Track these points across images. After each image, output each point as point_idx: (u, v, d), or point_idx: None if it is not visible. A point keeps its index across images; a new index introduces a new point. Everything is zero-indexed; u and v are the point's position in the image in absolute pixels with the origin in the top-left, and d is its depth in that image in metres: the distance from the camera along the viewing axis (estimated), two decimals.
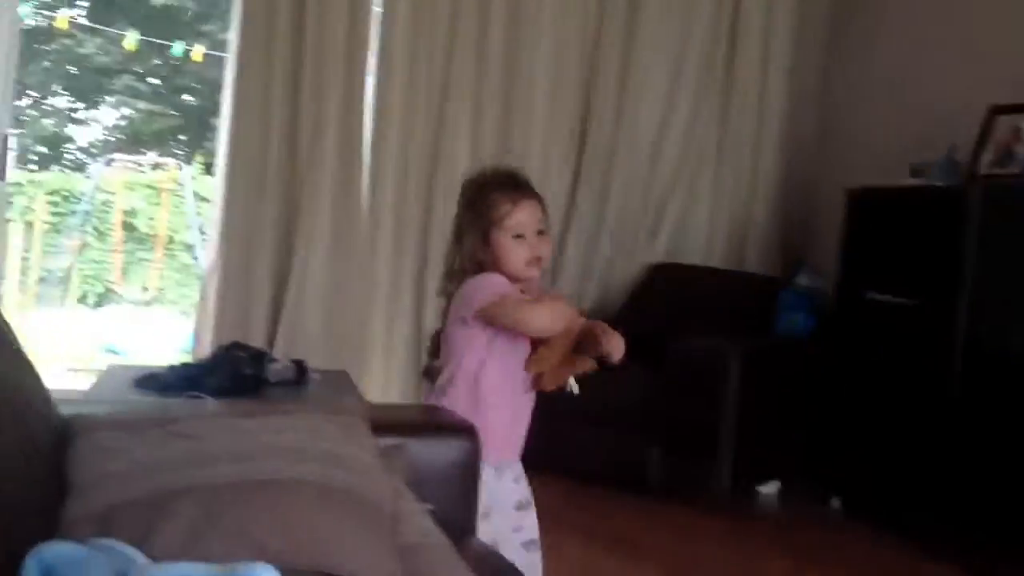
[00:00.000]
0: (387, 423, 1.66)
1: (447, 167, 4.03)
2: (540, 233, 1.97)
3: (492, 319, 1.93)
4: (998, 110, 3.46)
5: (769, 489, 3.81)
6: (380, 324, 4.07)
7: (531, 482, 2.06)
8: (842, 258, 3.75)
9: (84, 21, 10.95)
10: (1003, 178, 3.21)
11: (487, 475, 1.86)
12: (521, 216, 1.93)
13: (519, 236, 1.94)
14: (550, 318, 1.92)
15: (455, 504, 1.71)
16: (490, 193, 1.95)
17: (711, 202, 4.47)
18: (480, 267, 1.95)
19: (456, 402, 1.94)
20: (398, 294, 4.09)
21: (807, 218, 4.45)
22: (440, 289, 2.05)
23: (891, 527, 3.36)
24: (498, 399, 1.97)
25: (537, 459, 2.12)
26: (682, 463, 3.58)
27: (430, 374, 2.09)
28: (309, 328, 3.87)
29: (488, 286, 1.93)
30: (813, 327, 3.88)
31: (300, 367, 2.88)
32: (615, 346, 1.91)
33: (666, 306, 4.04)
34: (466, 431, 1.79)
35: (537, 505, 2.05)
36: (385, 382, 4.08)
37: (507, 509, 1.98)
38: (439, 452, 1.75)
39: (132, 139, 11.71)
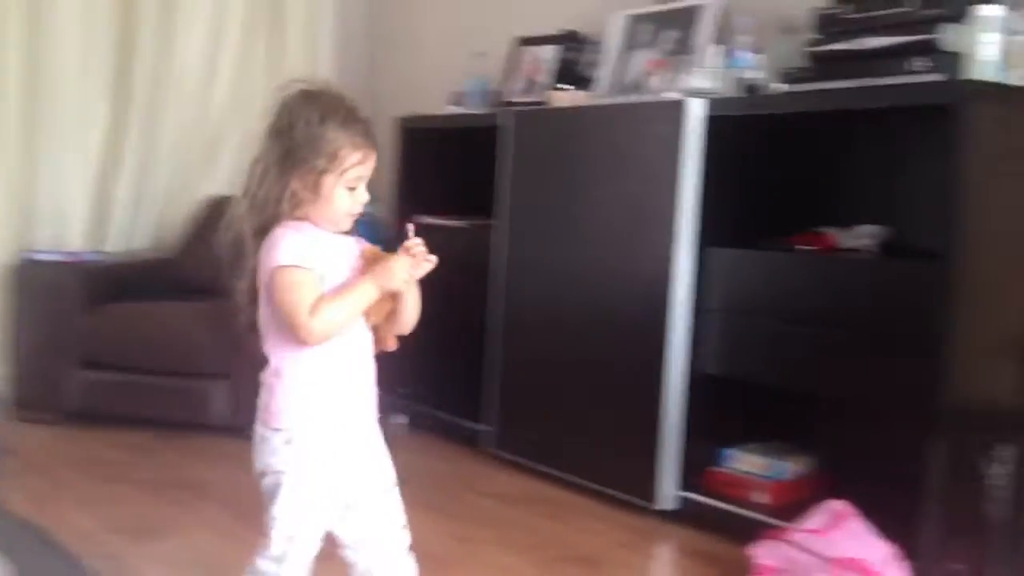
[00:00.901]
0: None
1: None
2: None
3: (268, 294, 1.64)
4: (524, 41, 3.72)
5: None
6: None
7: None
8: (396, 185, 3.90)
9: None
10: (530, 105, 3.46)
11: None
12: (363, 171, 1.68)
13: (352, 188, 1.68)
14: (347, 315, 1.65)
15: None
16: (335, 137, 1.64)
17: None
18: (296, 207, 1.66)
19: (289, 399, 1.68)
20: None
21: None
22: (248, 220, 1.67)
23: (451, 436, 3.60)
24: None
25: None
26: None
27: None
28: None
29: (275, 250, 1.63)
30: None
31: None
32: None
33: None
34: None
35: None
36: None
37: None
38: None
39: None
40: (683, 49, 3.12)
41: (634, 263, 2.97)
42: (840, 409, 2.80)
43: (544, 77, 3.58)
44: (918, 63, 2.40)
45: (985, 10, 2.32)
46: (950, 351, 2.29)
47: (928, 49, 2.39)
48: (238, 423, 2.39)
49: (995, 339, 2.39)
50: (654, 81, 3.14)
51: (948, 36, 2.36)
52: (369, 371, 1.76)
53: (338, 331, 1.65)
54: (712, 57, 2.95)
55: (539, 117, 3.36)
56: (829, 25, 2.64)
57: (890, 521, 2.33)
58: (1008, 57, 2.33)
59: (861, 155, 2.83)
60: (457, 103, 3.74)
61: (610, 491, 3.03)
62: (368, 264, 1.69)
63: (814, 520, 2.42)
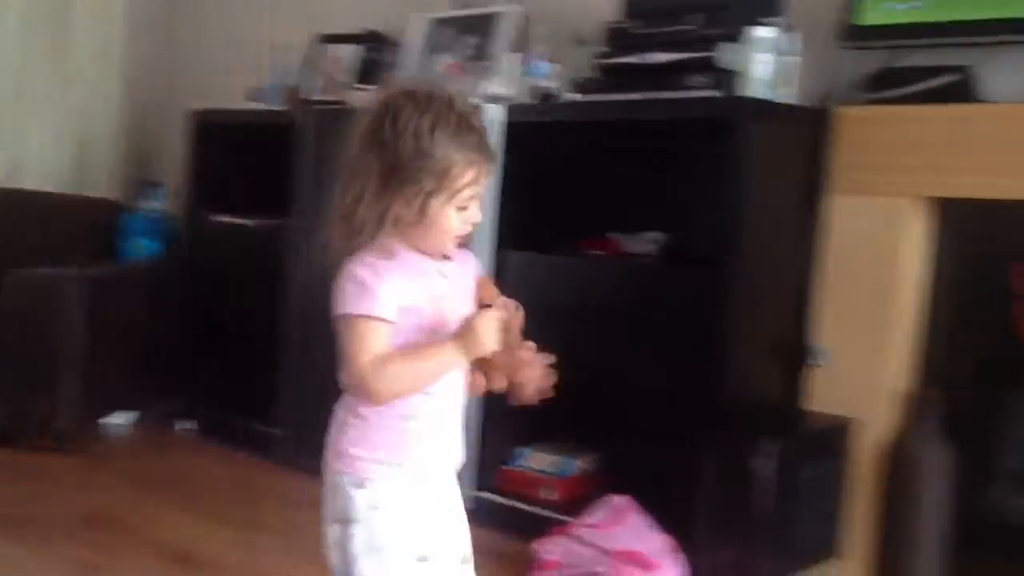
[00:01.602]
0: None
1: None
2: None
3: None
4: (325, 39, 3.68)
5: (122, 420, 3.71)
6: None
7: None
8: (188, 180, 3.76)
9: None
10: (329, 104, 3.42)
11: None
12: (477, 189, 1.44)
13: (463, 209, 1.44)
14: (417, 383, 1.43)
15: None
16: (446, 153, 1.39)
17: (51, 124, 4.18)
18: (397, 230, 1.42)
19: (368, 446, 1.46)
20: None
21: (154, 141, 4.37)
22: (341, 245, 1.42)
23: (243, 442, 3.50)
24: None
25: None
26: (23, 402, 3.34)
27: None
28: None
29: (360, 290, 1.40)
30: (161, 251, 3.83)
31: None
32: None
33: (1, 235, 3.71)
34: None
35: None
36: None
37: None
38: None
39: None
40: (482, 55, 3.17)
41: None
42: (626, 407, 2.91)
43: (344, 76, 3.55)
44: (698, 79, 2.53)
45: (759, 31, 2.47)
46: (725, 351, 2.43)
47: (707, 66, 2.53)
48: None
49: (764, 341, 2.54)
50: (453, 85, 3.17)
51: (725, 55, 2.51)
52: (457, 421, 1.53)
53: (402, 398, 1.42)
54: (509, 64, 3.01)
55: (339, 117, 3.31)
56: (618, 39, 2.75)
57: (667, 514, 2.45)
58: (778, 76, 2.50)
59: (647, 164, 2.95)
60: (255, 99, 3.65)
61: None
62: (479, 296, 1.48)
63: (596, 515, 2.51)
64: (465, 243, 1.48)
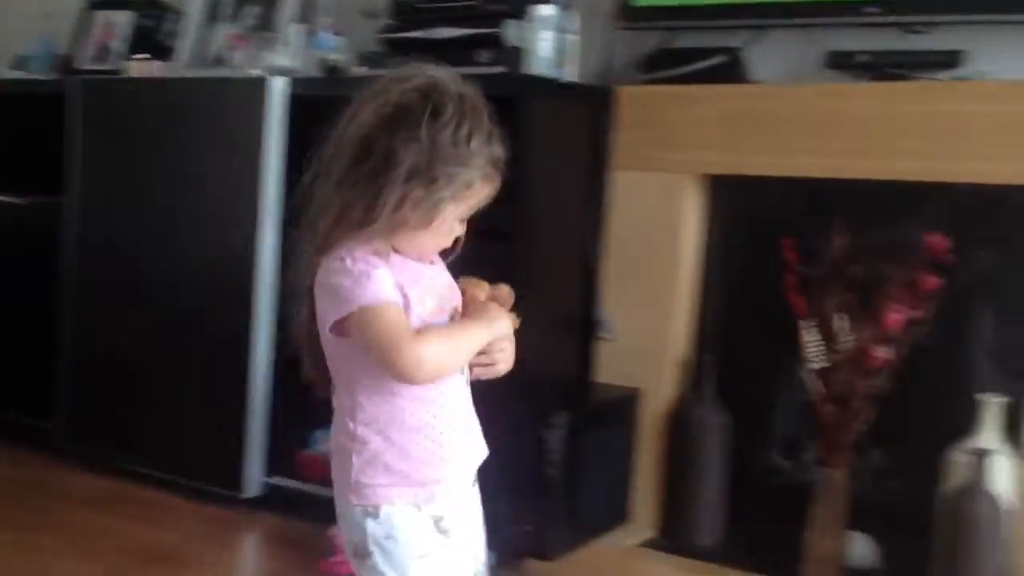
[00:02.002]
0: None
1: None
2: None
3: (353, 333, 1.28)
4: (96, 5, 3.47)
5: None
6: None
7: None
8: None
9: None
10: (101, 73, 3.23)
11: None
12: (483, 203, 1.34)
13: (463, 221, 1.34)
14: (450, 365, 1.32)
15: None
16: (476, 163, 1.28)
17: None
18: (394, 230, 1.29)
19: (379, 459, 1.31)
20: None
21: None
22: (330, 233, 1.28)
23: (17, 436, 3.28)
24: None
25: None
26: None
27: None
28: None
29: (365, 282, 1.26)
30: None
31: None
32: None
33: None
34: None
35: None
36: None
37: None
38: None
39: None
40: (265, 26, 3.06)
41: (219, 244, 2.87)
42: None
43: (118, 44, 3.35)
44: (484, 55, 2.53)
45: (541, 9, 2.49)
46: None
47: (493, 43, 2.53)
48: None
49: (553, 315, 2.59)
50: (236, 56, 3.05)
51: (510, 32, 2.51)
52: (472, 413, 1.42)
53: (442, 374, 1.31)
54: (294, 36, 2.92)
55: (113, 87, 3.14)
56: (404, 13, 2.71)
57: None
58: (560, 55, 2.53)
59: None
60: (19, 67, 3.40)
61: (197, 483, 2.91)
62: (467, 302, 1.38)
63: None
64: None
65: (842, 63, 2.33)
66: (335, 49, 2.83)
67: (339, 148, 1.29)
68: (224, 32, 3.15)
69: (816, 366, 2.27)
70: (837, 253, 2.26)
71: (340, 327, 1.28)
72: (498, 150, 1.31)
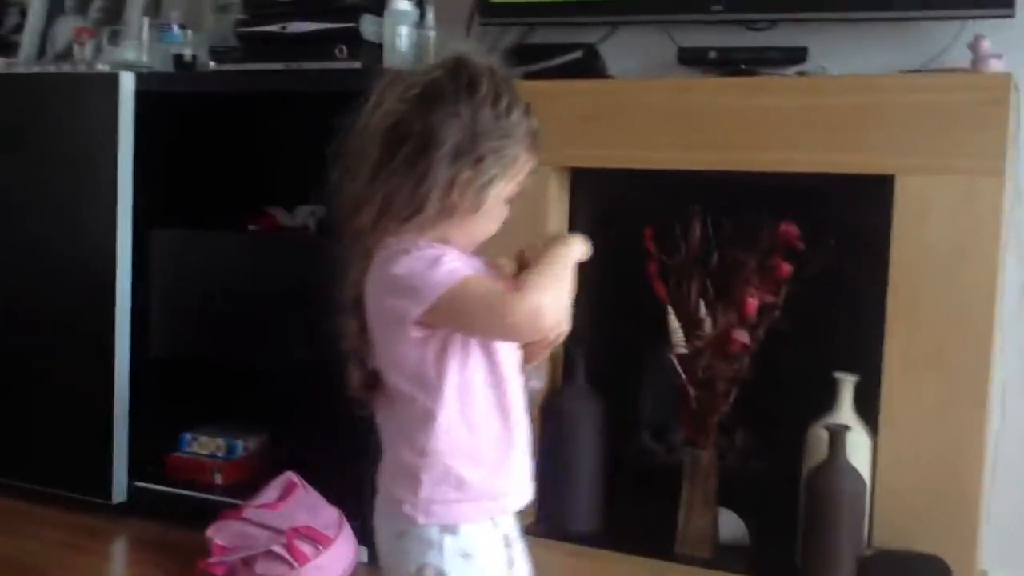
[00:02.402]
0: None
1: None
2: None
3: (444, 319, 1.18)
4: None
5: None
6: None
7: None
8: None
9: None
10: None
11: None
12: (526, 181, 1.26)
13: (509, 202, 1.26)
14: (560, 303, 1.19)
15: None
16: (520, 137, 1.22)
17: None
18: (442, 217, 1.21)
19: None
20: None
21: None
22: (355, 242, 1.23)
23: None
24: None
25: None
26: None
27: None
28: None
29: (441, 264, 1.17)
30: None
31: None
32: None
33: None
34: None
35: None
36: None
37: None
38: None
39: None
40: (112, 19, 2.94)
41: (76, 246, 2.77)
42: (290, 384, 2.86)
43: None
44: (341, 50, 2.49)
45: (398, 3, 2.46)
46: None
47: (350, 38, 2.49)
48: None
49: None
50: (82, 51, 2.92)
51: (367, 26, 2.48)
52: (526, 446, 1.32)
53: (561, 315, 1.20)
54: (143, 30, 2.81)
55: None
56: (258, 6, 2.64)
57: (336, 487, 2.46)
58: (419, 50, 2.50)
59: (301, 136, 2.87)
60: None
61: (63, 492, 2.83)
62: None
63: (266, 494, 2.48)
64: None
65: (693, 59, 2.38)
66: (187, 44, 2.75)
67: (366, 141, 1.22)
68: (69, 24, 3.02)
69: (681, 351, 2.32)
70: (695, 242, 2.32)
71: (424, 321, 1.18)
72: (535, 122, 1.26)
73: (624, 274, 2.53)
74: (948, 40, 2.25)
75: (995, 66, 2.06)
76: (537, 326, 1.17)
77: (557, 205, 2.56)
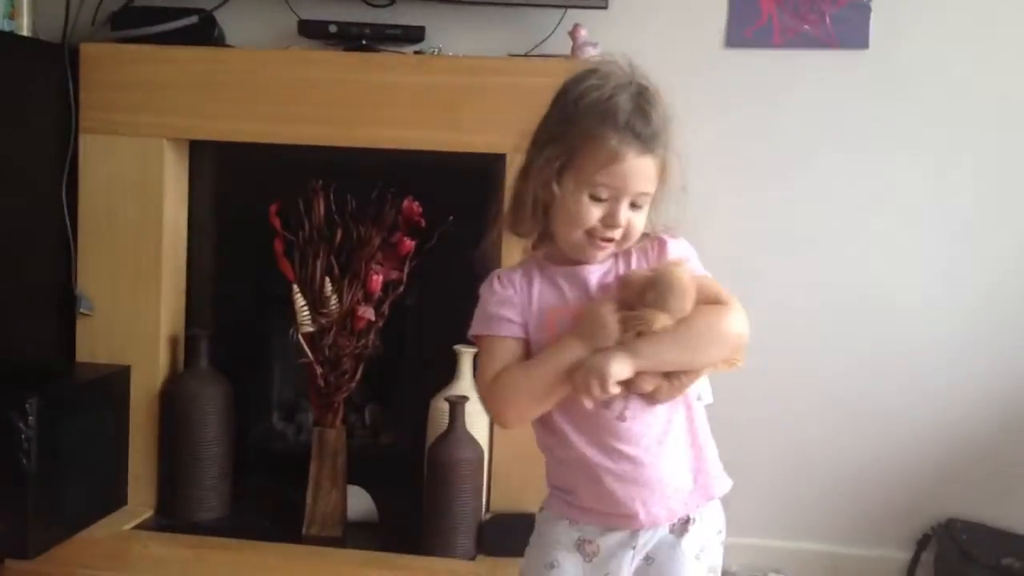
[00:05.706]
0: None
1: None
2: (633, 206, 1.21)
3: None
4: None
5: None
6: None
7: None
8: None
9: None
10: None
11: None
12: (617, 180, 1.18)
13: (599, 200, 1.19)
14: (535, 384, 1.23)
15: None
16: (589, 124, 1.17)
17: None
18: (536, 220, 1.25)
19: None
20: None
21: None
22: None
23: None
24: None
25: None
26: None
27: None
28: None
29: (480, 310, 1.31)
30: None
31: None
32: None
33: None
34: None
35: None
36: None
37: None
38: None
39: None
40: None
41: None
42: None
43: None
44: None
45: None
46: None
47: None
48: None
49: (26, 291, 2.36)
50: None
51: None
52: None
53: (530, 406, 1.24)
54: None
55: None
56: None
57: None
58: (10, 6, 2.28)
59: None
60: None
61: None
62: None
63: None
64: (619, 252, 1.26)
65: (315, 32, 2.35)
66: None
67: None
68: None
69: (307, 330, 2.29)
70: (319, 219, 2.29)
71: None
72: (636, 120, 1.18)
73: (251, 250, 2.46)
74: (552, 28, 2.38)
75: (591, 53, 2.21)
76: (494, 411, 1.29)
77: (173, 179, 2.43)
